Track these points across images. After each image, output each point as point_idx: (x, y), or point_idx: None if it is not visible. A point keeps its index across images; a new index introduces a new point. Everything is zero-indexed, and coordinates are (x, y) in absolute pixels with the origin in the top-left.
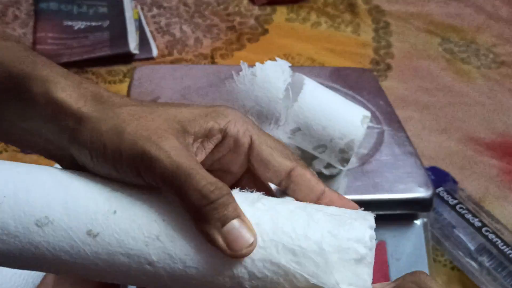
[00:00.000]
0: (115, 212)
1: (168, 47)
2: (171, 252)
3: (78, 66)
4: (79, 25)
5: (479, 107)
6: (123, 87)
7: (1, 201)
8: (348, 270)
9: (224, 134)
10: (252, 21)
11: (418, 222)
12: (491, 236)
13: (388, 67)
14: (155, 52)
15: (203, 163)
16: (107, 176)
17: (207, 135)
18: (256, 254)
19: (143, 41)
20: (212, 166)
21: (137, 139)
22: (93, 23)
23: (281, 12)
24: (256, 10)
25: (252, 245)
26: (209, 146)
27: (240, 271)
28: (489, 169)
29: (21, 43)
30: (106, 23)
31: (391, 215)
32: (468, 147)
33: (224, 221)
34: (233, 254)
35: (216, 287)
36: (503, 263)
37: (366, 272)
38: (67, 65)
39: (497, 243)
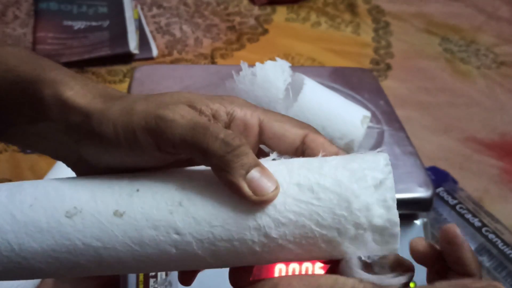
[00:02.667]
0: (137, 190)
1: (168, 47)
2: (195, 214)
3: (78, 66)
4: (79, 25)
5: (479, 107)
6: (123, 87)
7: (32, 202)
8: (370, 196)
9: (231, 117)
10: (252, 21)
11: (418, 222)
12: (491, 236)
13: (388, 67)
14: (155, 52)
15: None
16: (120, 166)
17: (214, 115)
18: (277, 200)
19: (143, 41)
20: None
21: (148, 110)
22: (93, 23)
23: (281, 12)
24: (256, 10)
25: (276, 189)
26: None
27: (265, 220)
28: (489, 169)
29: (26, 48)
30: (106, 23)
31: None
32: (468, 147)
33: (248, 169)
34: (258, 199)
35: (245, 246)
36: (503, 263)
37: (390, 196)
38: (67, 65)
39: (497, 243)
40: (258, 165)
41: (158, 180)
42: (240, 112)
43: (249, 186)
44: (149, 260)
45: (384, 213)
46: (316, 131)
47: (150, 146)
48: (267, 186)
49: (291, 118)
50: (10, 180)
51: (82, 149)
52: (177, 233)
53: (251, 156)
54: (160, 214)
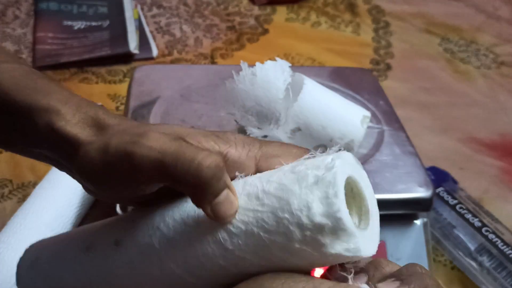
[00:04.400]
0: (133, 221)
1: (168, 47)
2: (169, 235)
3: (78, 66)
4: (79, 25)
5: (479, 107)
6: (123, 87)
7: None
8: (310, 194)
9: (225, 159)
10: (252, 21)
11: (418, 222)
12: (491, 236)
13: (388, 67)
14: (155, 52)
15: None
16: (108, 200)
17: None
18: None
19: (143, 41)
20: None
21: (120, 147)
22: (93, 23)
23: (281, 12)
24: (256, 10)
25: (235, 208)
26: None
27: (220, 233)
28: (489, 169)
29: (20, 63)
30: (106, 23)
31: (391, 215)
32: (468, 147)
33: (216, 195)
34: (219, 219)
35: (211, 261)
36: (503, 263)
37: (332, 192)
38: (67, 65)
39: (497, 243)
40: (226, 186)
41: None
42: (234, 154)
43: (212, 209)
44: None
45: (325, 209)
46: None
47: (127, 181)
48: (228, 207)
49: (290, 148)
50: (10, 180)
51: (76, 177)
52: (153, 250)
53: (222, 181)
54: (145, 240)
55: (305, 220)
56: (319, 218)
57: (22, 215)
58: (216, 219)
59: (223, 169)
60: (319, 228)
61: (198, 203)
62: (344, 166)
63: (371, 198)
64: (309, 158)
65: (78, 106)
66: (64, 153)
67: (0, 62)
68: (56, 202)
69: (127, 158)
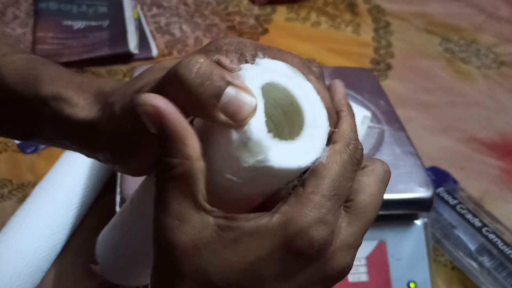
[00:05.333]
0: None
1: (168, 47)
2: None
3: (78, 65)
4: (78, 24)
5: (480, 107)
6: None
7: None
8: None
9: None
10: (252, 21)
11: (418, 222)
12: (491, 236)
13: (388, 67)
14: (154, 51)
15: None
16: (134, 173)
17: None
18: None
19: (143, 41)
20: None
21: (126, 108)
22: (93, 23)
23: (281, 12)
24: (256, 10)
25: (255, 101)
26: None
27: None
28: (490, 169)
29: (20, 52)
30: (105, 23)
31: (391, 215)
32: (468, 147)
33: (215, 95)
34: (239, 125)
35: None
36: (504, 263)
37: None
38: (66, 65)
39: (497, 243)
40: (228, 83)
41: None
42: (225, 60)
43: (226, 113)
44: None
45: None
46: (313, 74)
47: (143, 140)
48: (247, 106)
49: (286, 56)
50: (10, 180)
51: (98, 157)
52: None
53: (216, 75)
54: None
55: (218, 135)
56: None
57: (22, 215)
58: (236, 123)
59: (210, 66)
60: (232, 142)
61: (205, 116)
62: (258, 75)
63: (314, 110)
64: None
65: (79, 85)
66: (79, 137)
67: (2, 56)
68: (56, 202)
69: (132, 112)
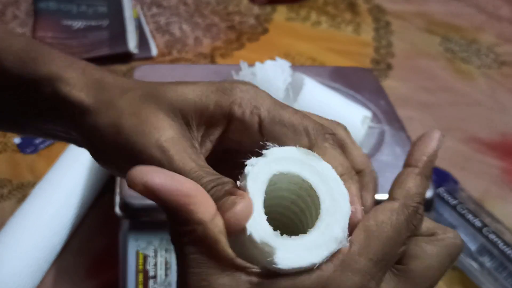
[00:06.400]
0: None
1: (167, 47)
2: None
3: None
4: (78, 24)
5: (480, 107)
6: None
7: None
8: None
9: (229, 117)
10: (252, 21)
11: None
12: (491, 236)
13: (389, 67)
14: (154, 51)
15: (214, 150)
16: (109, 170)
17: (211, 124)
18: None
19: (143, 41)
20: (223, 148)
21: (134, 136)
22: (93, 23)
23: (281, 12)
24: (256, 10)
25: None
26: (215, 133)
27: None
28: (490, 169)
29: (18, 36)
30: (105, 23)
31: None
32: (469, 147)
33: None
34: (238, 230)
35: None
36: (504, 264)
37: None
38: None
39: (497, 243)
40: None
41: None
42: (237, 111)
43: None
44: None
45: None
46: (330, 142)
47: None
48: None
49: (302, 119)
50: (9, 180)
51: (83, 143)
52: None
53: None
54: None
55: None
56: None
57: (22, 215)
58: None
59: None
60: (244, 242)
61: None
62: (266, 166)
63: (332, 193)
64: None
65: (82, 70)
66: (72, 122)
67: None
68: (55, 202)
69: (139, 153)
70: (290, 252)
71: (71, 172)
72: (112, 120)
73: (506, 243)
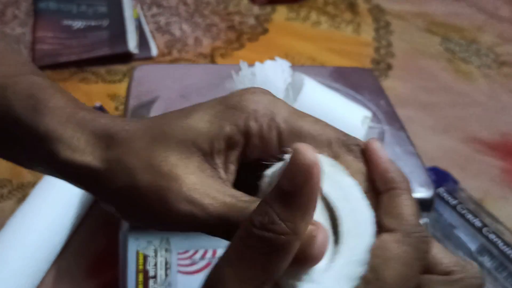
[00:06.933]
0: None
1: (167, 47)
2: None
3: (77, 65)
4: (78, 24)
5: (480, 107)
6: (122, 87)
7: None
8: None
9: (247, 136)
10: (252, 21)
11: None
12: (491, 236)
13: (389, 67)
14: (154, 51)
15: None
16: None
17: (229, 145)
18: None
19: (143, 41)
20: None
21: (155, 195)
22: (93, 23)
23: (281, 12)
24: (256, 10)
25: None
26: (234, 154)
27: None
28: (490, 169)
29: (24, 72)
30: (105, 23)
31: None
32: (469, 147)
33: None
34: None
35: None
36: (504, 264)
37: None
38: (66, 65)
39: (497, 243)
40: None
41: None
42: (254, 127)
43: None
44: None
45: None
46: (352, 152)
47: (163, 224)
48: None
49: (323, 129)
50: (10, 180)
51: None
52: None
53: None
54: None
55: None
56: None
57: (21, 215)
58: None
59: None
60: None
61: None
62: None
63: (354, 215)
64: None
65: (83, 124)
66: (79, 184)
67: (9, 76)
68: (55, 202)
69: (167, 210)
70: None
71: None
72: (128, 183)
73: (506, 243)
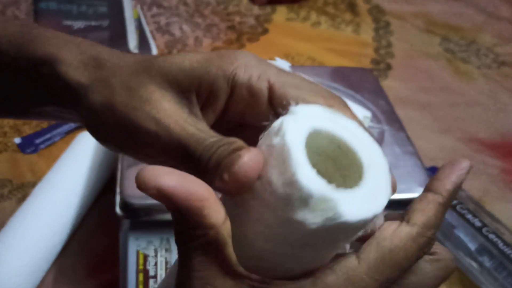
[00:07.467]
0: None
1: (168, 47)
2: None
3: None
4: (78, 24)
5: (480, 107)
6: None
7: None
8: (269, 168)
9: (233, 83)
10: (252, 21)
11: None
12: (491, 236)
13: (388, 67)
14: (154, 51)
15: (216, 123)
16: (110, 149)
17: (211, 90)
18: None
19: (143, 41)
20: (229, 122)
21: (127, 112)
22: (93, 23)
23: (281, 12)
24: (256, 10)
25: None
26: (218, 102)
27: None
28: (490, 169)
29: (10, 20)
30: (105, 23)
31: None
32: (469, 147)
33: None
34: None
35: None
36: (504, 263)
37: (285, 157)
38: None
39: (497, 243)
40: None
41: None
42: (243, 76)
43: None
44: None
45: (284, 178)
46: (344, 104)
47: (132, 146)
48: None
49: (314, 85)
50: (10, 180)
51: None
52: None
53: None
54: None
55: (270, 198)
56: (281, 190)
57: (22, 215)
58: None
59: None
60: (286, 203)
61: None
62: (300, 122)
63: (367, 149)
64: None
65: (77, 48)
66: (72, 103)
67: None
68: (55, 202)
69: (136, 128)
70: (353, 204)
71: (71, 172)
72: (105, 99)
73: (505, 243)
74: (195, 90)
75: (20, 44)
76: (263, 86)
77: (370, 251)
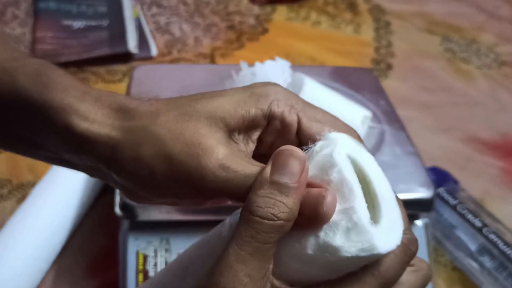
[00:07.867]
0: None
1: (167, 47)
2: None
3: (77, 65)
4: (78, 24)
5: (480, 107)
6: (122, 87)
7: None
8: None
9: (269, 118)
10: (252, 21)
11: (418, 222)
12: (491, 236)
13: (389, 67)
14: (154, 51)
15: (253, 153)
16: (153, 197)
17: (252, 126)
18: None
19: (143, 40)
20: (262, 151)
21: (189, 162)
22: (93, 23)
23: (281, 11)
24: (256, 10)
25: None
26: (256, 134)
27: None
28: (490, 169)
29: (30, 57)
30: (105, 23)
31: None
32: (469, 147)
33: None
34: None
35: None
36: (504, 264)
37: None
38: (66, 65)
39: (497, 243)
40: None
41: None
42: (277, 110)
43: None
44: None
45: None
46: (359, 137)
47: (193, 192)
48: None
49: (334, 118)
50: (9, 180)
51: (116, 179)
52: None
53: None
54: None
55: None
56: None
57: (22, 215)
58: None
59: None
60: (331, 228)
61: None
62: (343, 153)
63: (381, 181)
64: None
65: (96, 99)
66: (98, 157)
67: (13, 60)
68: (55, 202)
69: (201, 178)
70: (382, 237)
71: (71, 172)
72: (156, 151)
73: (506, 243)
74: (238, 128)
75: (37, 86)
76: (293, 119)
77: (364, 274)
